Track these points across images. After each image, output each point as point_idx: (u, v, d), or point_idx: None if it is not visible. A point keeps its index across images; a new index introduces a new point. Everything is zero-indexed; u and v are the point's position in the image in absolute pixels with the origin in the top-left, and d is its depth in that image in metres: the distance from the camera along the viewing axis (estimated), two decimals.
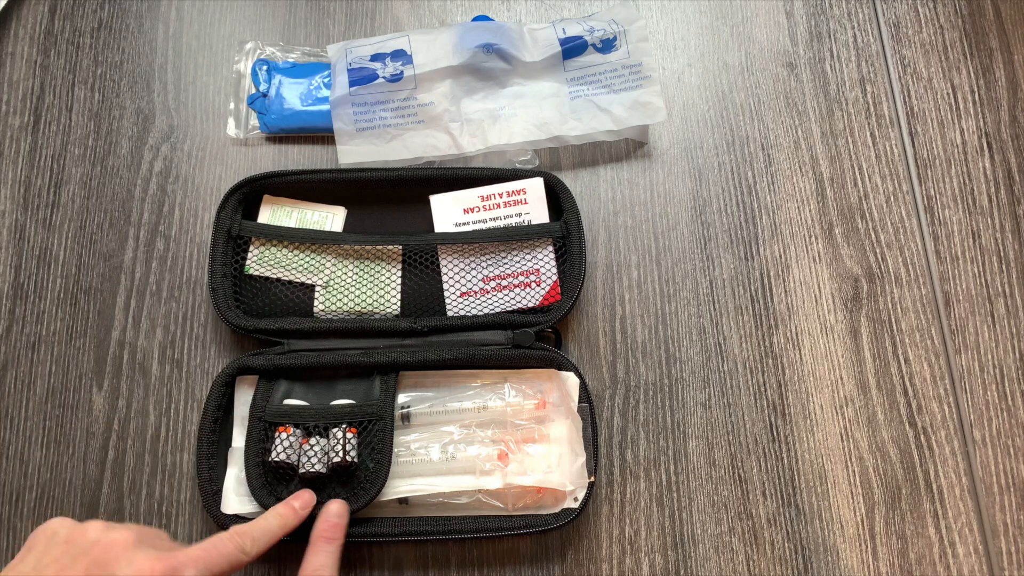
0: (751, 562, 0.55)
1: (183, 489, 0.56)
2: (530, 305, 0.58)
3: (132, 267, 0.60)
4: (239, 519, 0.53)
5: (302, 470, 0.52)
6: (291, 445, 0.52)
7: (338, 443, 0.52)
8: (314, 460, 0.52)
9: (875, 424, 0.58)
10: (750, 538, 0.56)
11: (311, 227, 0.59)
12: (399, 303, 0.58)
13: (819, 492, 0.57)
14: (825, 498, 0.57)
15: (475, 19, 0.66)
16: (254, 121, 0.63)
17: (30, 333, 0.59)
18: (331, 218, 0.60)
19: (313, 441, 0.52)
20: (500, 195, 0.59)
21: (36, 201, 0.62)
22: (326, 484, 0.53)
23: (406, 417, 0.55)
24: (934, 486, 0.57)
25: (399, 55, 0.61)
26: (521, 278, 0.58)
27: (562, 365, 0.56)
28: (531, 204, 0.59)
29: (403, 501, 0.53)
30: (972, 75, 0.66)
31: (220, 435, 0.55)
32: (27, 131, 0.63)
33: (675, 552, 0.55)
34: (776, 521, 0.56)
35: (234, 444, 0.55)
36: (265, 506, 0.52)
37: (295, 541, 0.51)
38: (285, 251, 0.58)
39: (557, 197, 0.59)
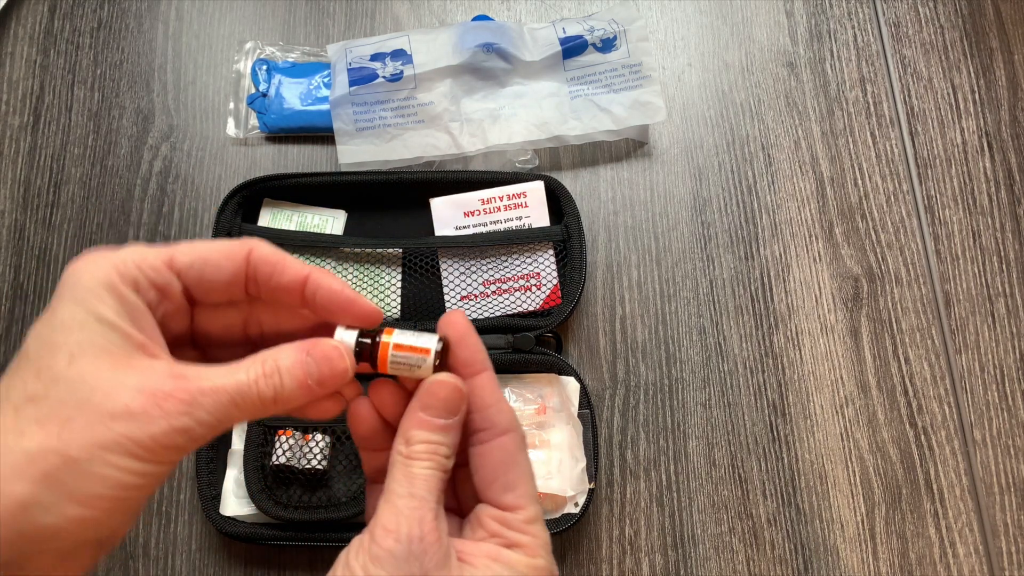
0: (751, 562, 0.55)
1: (183, 489, 0.56)
2: (530, 309, 0.58)
3: None
4: (238, 521, 0.53)
5: (300, 467, 0.52)
6: (291, 447, 0.52)
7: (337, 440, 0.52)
8: (318, 455, 0.52)
9: (875, 424, 0.58)
10: (750, 538, 0.56)
11: (311, 230, 0.59)
12: (399, 306, 0.58)
13: (819, 492, 0.57)
14: (825, 498, 0.57)
15: (475, 19, 0.66)
16: (254, 121, 0.63)
17: None
18: (331, 221, 0.60)
19: (311, 435, 0.52)
20: (500, 198, 0.59)
21: (36, 201, 0.62)
22: (328, 482, 0.53)
23: None
24: (934, 486, 0.57)
25: (399, 55, 0.61)
26: (521, 282, 0.58)
27: (562, 370, 0.56)
28: (531, 207, 0.59)
29: None
30: (972, 75, 0.66)
31: (220, 436, 0.55)
32: (27, 131, 0.63)
33: (675, 552, 0.56)
34: (776, 521, 0.56)
35: (233, 446, 0.55)
36: (264, 511, 0.52)
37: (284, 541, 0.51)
38: None
39: (558, 199, 0.59)
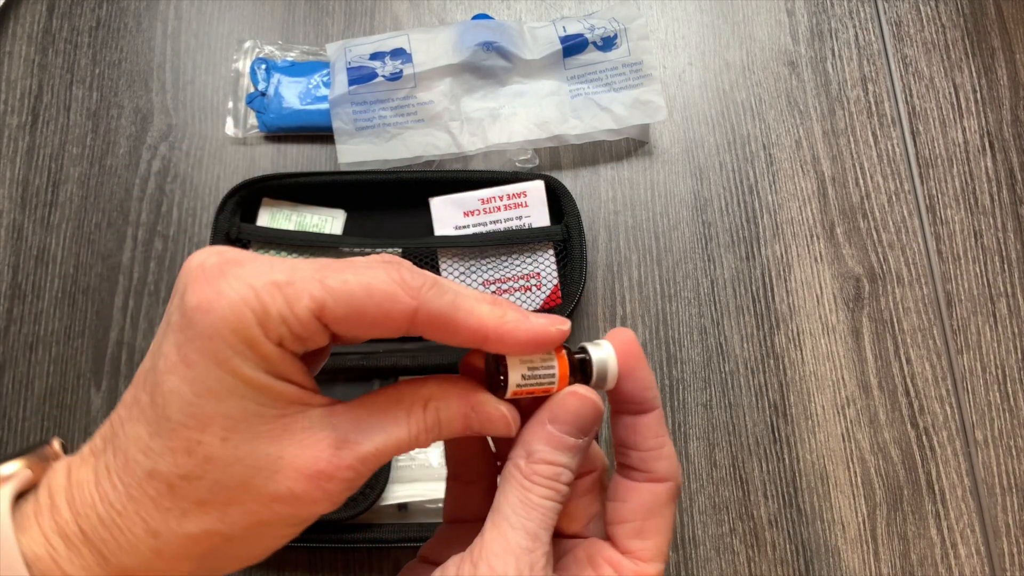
0: (752, 563, 0.55)
1: None
2: (530, 309, 0.58)
3: (130, 267, 0.60)
4: None
5: None
6: None
7: None
8: None
9: (877, 425, 0.58)
10: (751, 539, 0.56)
11: (310, 230, 0.59)
12: None
13: (820, 493, 0.56)
14: (827, 499, 0.56)
15: (475, 17, 0.66)
16: (253, 120, 0.63)
17: (28, 333, 0.59)
18: (330, 221, 0.59)
19: None
20: (500, 198, 0.58)
21: (34, 201, 0.61)
22: None
23: None
24: (936, 487, 0.57)
25: (398, 53, 0.61)
26: (521, 282, 0.58)
27: None
28: (532, 207, 0.58)
29: (402, 507, 0.53)
30: (974, 74, 0.66)
31: None
32: (25, 130, 0.63)
33: (676, 553, 0.55)
34: (777, 522, 0.56)
35: None
36: None
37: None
38: (284, 254, 0.58)
39: (558, 199, 0.59)
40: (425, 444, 0.27)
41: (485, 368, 0.29)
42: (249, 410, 0.24)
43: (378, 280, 0.25)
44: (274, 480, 0.24)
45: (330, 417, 0.26)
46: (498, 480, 0.28)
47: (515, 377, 0.27)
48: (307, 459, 0.25)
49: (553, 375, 0.28)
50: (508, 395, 0.27)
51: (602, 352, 0.28)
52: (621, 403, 0.29)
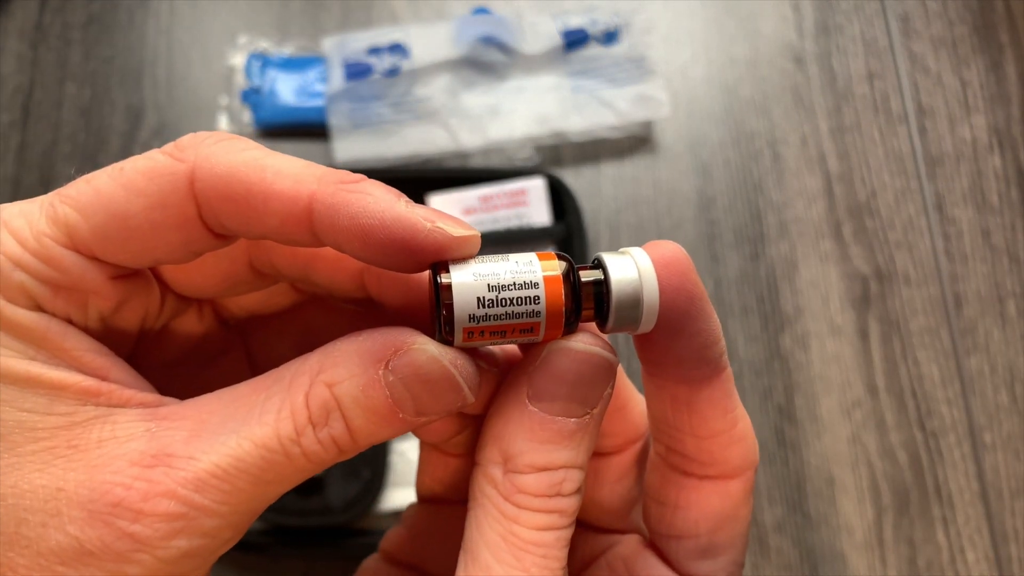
0: (757, 569, 0.54)
1: None
2: None
3: None
4: None
5: None
6: None
7: None
8: None
9: (884, 428, 0.57)
10: (756, 545, 0.55)
11: None
12: None
13: (826, 497, 0.55)
14: (833, 504, 0.55)
15: (474, 12, 0.65)
16: (247, 117, 0.62)
17: None
18: None
19: None
20: (500, 196, 0.57)
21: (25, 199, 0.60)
22: (323, 487, 0.52)
23: None
24: (943, 491, 0.56)
25: (396, 48, 0.60)
26: None
27: None
28: (532, 205, 0.58)
29: (400, 514, 0.52)
30: (982, 71, 0.64)
31: None
32: (16, 128, 0.62)
33: None
34: (783, 527, 0.55)
35: None
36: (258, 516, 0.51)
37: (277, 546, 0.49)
38: None
39: (559, 197, 0.58)
40: (327, 455, 0.17)
41: (429, 299, 0.18)
42: (10, 421, 0.15)
43: (135, 160, 0.17)
44: (51, 526, 0.15)
45: (151, 421, 0.16)
46: (469, 493, 0.18)
47: (466, 302, 0.16)
48: (95, 487, 0.15)
49: (536, 302, 0.16)
50: (458, 341, 0.17)
51: (628, 270, 0.17)
52: (665, 363, 0.19)
